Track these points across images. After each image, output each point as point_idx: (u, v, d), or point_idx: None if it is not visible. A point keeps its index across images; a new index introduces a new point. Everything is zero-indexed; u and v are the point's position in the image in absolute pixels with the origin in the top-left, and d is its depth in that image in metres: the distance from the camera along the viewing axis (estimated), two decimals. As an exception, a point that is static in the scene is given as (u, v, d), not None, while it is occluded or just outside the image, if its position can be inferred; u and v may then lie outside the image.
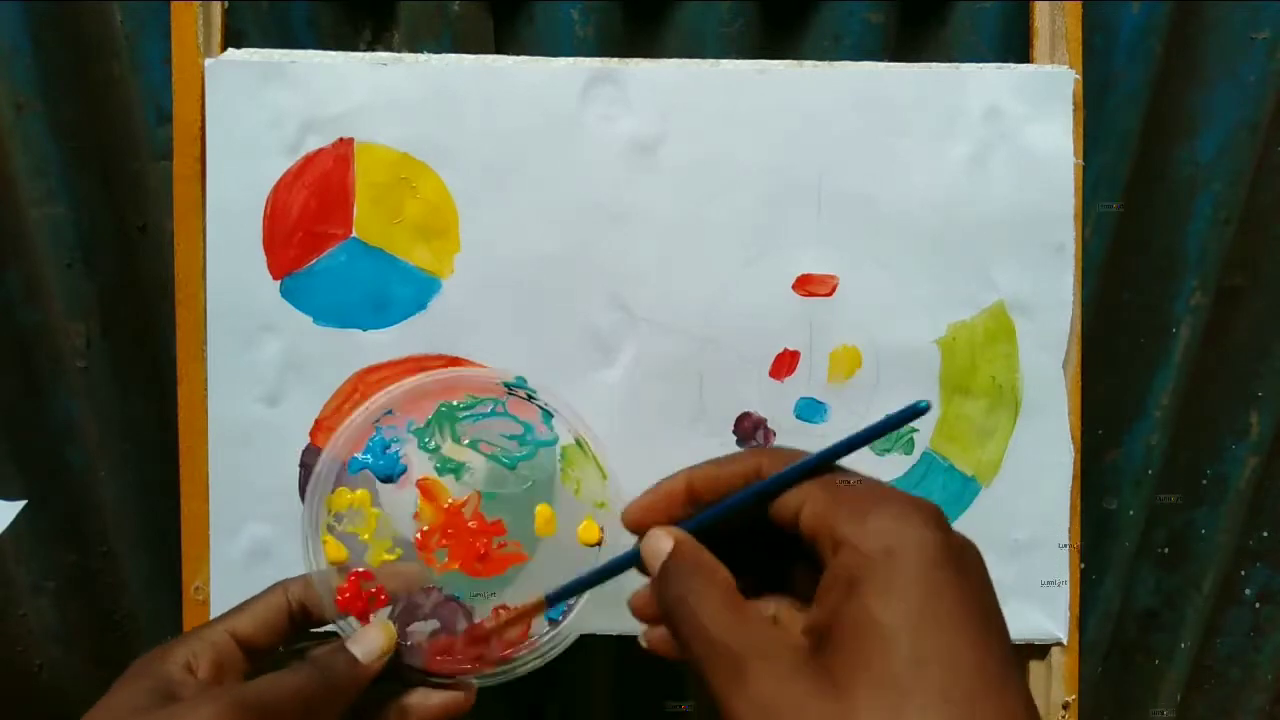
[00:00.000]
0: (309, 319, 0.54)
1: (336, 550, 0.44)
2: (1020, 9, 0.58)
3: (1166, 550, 0.78)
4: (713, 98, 0.54)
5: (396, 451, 0.45)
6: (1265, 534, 0.78)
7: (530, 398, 0.48)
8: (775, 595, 0.36)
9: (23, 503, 0.65)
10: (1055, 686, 0.58)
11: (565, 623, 0.44)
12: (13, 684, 0.73)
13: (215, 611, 0.55)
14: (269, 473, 0.54)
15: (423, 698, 0.43)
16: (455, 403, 0.47)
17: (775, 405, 0.56)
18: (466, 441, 0.46)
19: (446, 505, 0.45)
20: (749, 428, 0.56)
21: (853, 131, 0.54)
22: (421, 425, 0.46)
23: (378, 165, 0.54)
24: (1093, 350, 0.56)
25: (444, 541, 0.44)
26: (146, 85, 0.61)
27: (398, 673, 0.43)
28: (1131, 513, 0.75)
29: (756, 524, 0.35)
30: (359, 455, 0.45)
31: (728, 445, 0.56)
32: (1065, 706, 0.58)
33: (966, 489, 0.56)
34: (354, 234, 0.54)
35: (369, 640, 0.41)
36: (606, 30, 0.60)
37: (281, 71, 0.53)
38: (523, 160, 0.54)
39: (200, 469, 0.55)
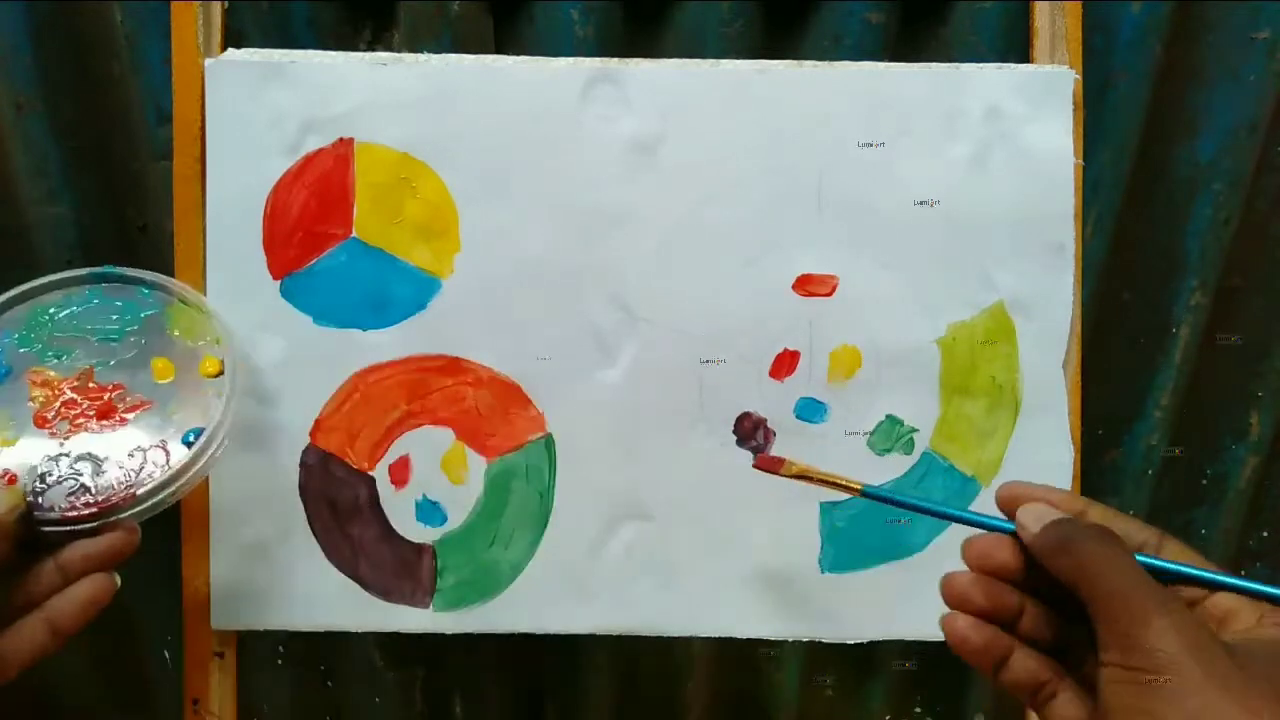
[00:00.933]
0: (309, 319, 0.54)
1: None
2: (1020, 9, 0.58)
3: (1166, 550, 0.78)
4: (713, 98, 0.54)
5: None
6: (1265, 534, 0.78)
7: (123, 279, 0.52)
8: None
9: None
10: (1055, 686, 0.58)
11: (183, 462, 0.47)
12: (11, 683, 0.73)
13: (214, 611, 0.55)
14: (269, 472, 0.55)
15: (75, 548, 0.44)
16: (48, 303, 0.51)
17: (775, 405, 0.56)
18: (71, 332, 0.50)
19: (57, 385, 0.49)
20: (749, 428, 0.56)
21: (853, 131, 0.54)
22: (21, 331, 0.50)
23: (378, 165, 0.54)
24: (1093, 350, 0.56)
25: (61, 412, 0.48)
26: (146, 85, 0.61)
27: (50, 537, 0.44)
28: (1131, 513, 0.75)
29: None
30: None
31: (728, 445, 0.56)
32: (1065, 706, 0.58)
33: (966, 489, 0.56)
34: (354, 234, 0.54)
35: None
36: (606, 30, 0.60)
37: (281, 71, 0.53)
38: (523, 160, 0.54)
39: (200, 469, 0.55)
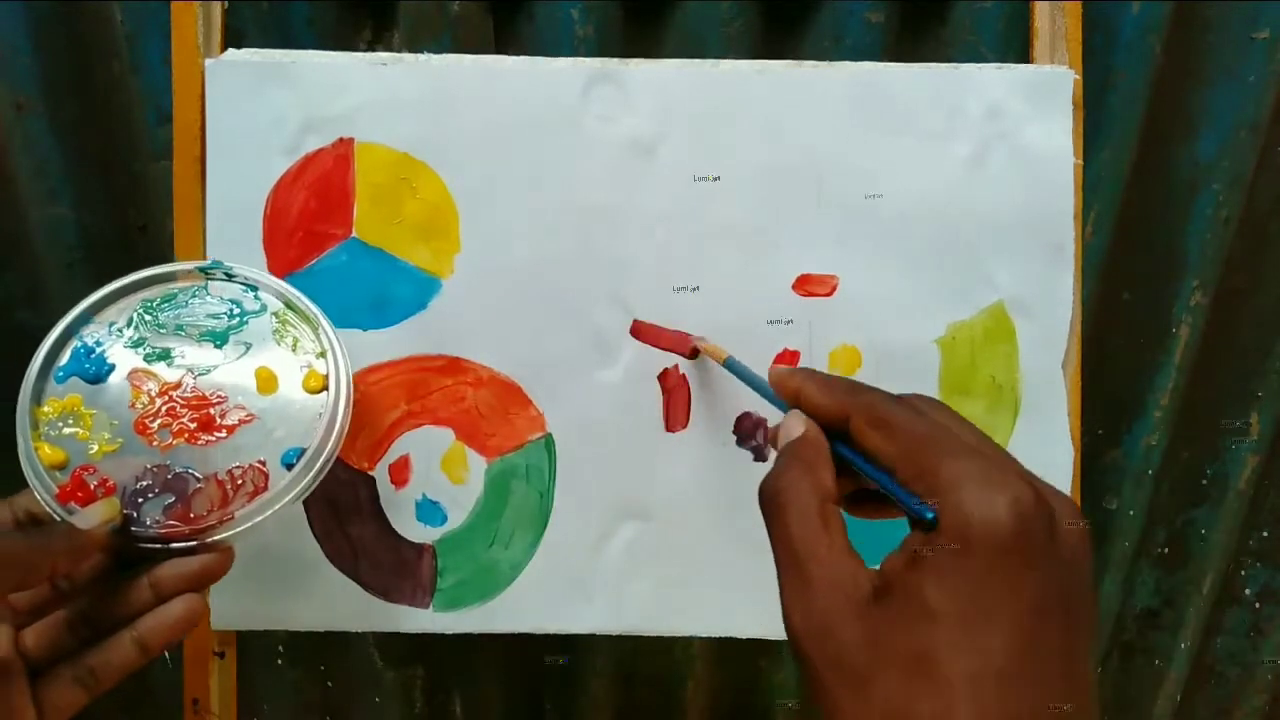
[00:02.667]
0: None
1: (52, 454, 0.45)
2: (1020, 9, 0.58)
3: (1166, 550, 0.78)
4: (713, 98, 0.54)
5: (102, 354, 0.47)
6: (1265, 534, 0.78)
7: (229, 277, 0.50)
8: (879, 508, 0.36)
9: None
10: (1055, 686, 0.58)
11: (283, 485, 0.45)
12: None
13: (214, 611, 0.55)
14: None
15: (170, 567, 0.43)
16: (152, 299, 0.49)
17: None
18: (173, 329, 0.48)
19: (161, 389, 0.47)
20: (749, 428, 0.56)
21: (853, 131, 0.54)
22: (123, 324, 0.48)
23: (378, 165, 0.54)
24: (1093, 350, 0.56)
25: (163, 421, 0.46)
26: (146, 85, 0.61)
27: (144, 554, 0.44)
28: (1131, 513, 0.75)
29: None
30: (62, 365, 0.47)
31: (728, 445, 0.56)
32: (1065, 706, 0.58)
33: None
34: (354, 234, 0.54)
35: (90, 510, 0.42)
36: (606, 30, 0.60)
37: (281, 71, 0.53)
38: (523, 160, 0.54)
39: (200, 469, 0.55)
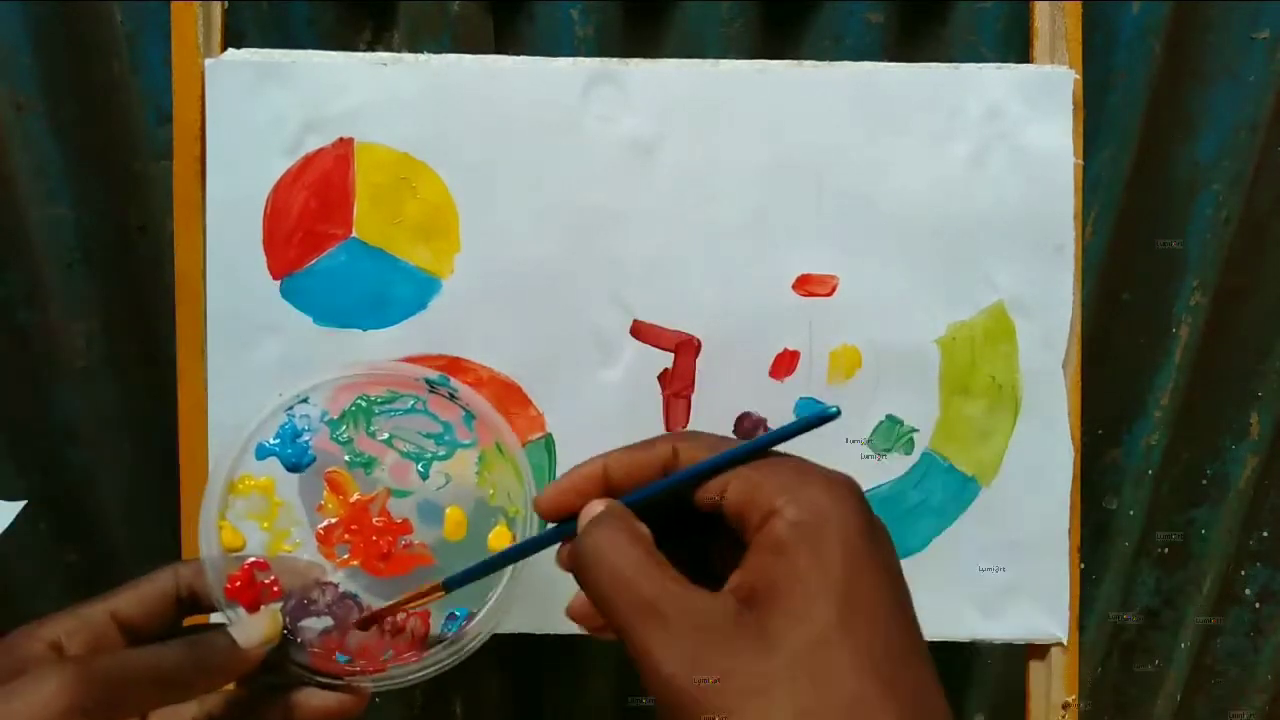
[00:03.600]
0: (309, 319, 0.54)
1: (233, 537, 0.42)
2: (1020, 9, 0.58)
3: (1166, 550, 0.78)
4: (713, 98, 0.54)
5: (307, 441, 0.44)
6: (1265, 534, 0.78)
7: (452, 397, 0.46)
8: (694, 578, 0.35)
9: (23, 503, 0.65)
10: (1055, 686, 0.58)
11: (437, 649, 0.42)
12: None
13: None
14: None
15: (309, 696, 0.40)
16: (374, 396, 0.45)
17: (775, 405, 0.56)
18: (383, 437, 0.45)
19: (353, 500, 0.44)
20: (749, 427, 0.56)
21: (853, 131, 0.54)
22: (336, 417, 0.45)
23: (378, 165, 0.54)
24: (1093, 350, 0.56)
25: (347, 537, 0.43)
26: (146, 85, 0.61)
27: (289, 671, 0.41)
28: (1131, 513, 0.75)
29: (673, 509, 0.34)
30: (267, 442, 0.44)
31: (728, 445, 0.55)
32: (1065, 706, 0.58)
33: (966, 489, 0.56)
34: (354, 234, 0.54)
35: (252, 627, 0.39)
36: (606, 30, 0.60)
37: (281, 71, 0.53)
38: (523, 160, 0.54)
39: (200, 469, 0.55)
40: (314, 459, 0.44)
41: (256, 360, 0.54)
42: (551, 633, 0.56)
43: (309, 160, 0.53)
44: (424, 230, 0.54)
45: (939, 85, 0.54)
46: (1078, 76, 0.54)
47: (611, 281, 0.55)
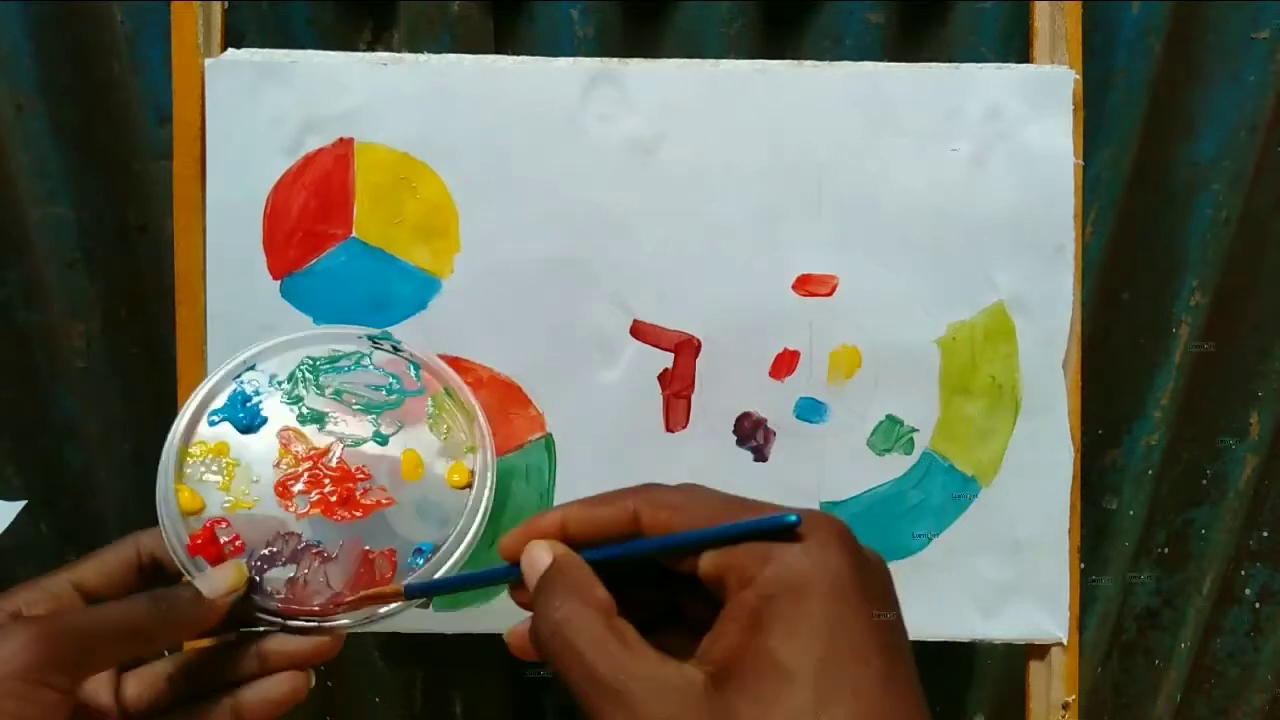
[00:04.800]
0: (309, 319, 0.54)
1: (191, 500, 0.43)
2: (1020, 9, 0.58)
3: (1166, 550, 0.78)
4: (713, 98, 0.54)
5: (258, 404, 0.46)
6: (1265, 534, 0.78)
7: (396, 350, 0.48)
8: (661, 627, 0.33)
9: (23, 503, 0.65)
10: (1055, 686, 0.58)
11: (420, 573, 0.44)
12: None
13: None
14: (269, 473, 0.54)
15: (281, 643, 0.41)
16: (320, 357, 0.47)
17: (775, 405, 0.56)
18: (330, 393, 0.47)
19: (308, 453, 0.45)
20: (749, 427, 0.56)
21: (853, 131, 0.54)
22: (284, 378, 0.47)
23: (378, 165, 0.54)
24: (1093, 350, 0.56)
25: (305, 488, 0.44)
26: (146, 85, 0.61)
27: (259, 621, 0.42)
28: (1131, 513, 0.75)
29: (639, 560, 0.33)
30: (218, 408, 0.45)
31: (728, 445, 0.56)
32: (1065, 706, 0.58)
33: (966, 489, 0.56)
34: (354, 234, 0.54)
35: (216, 578, 0.40)
36: (606, 30, 0.60)
37: (281, 71, 0.53)
38: (523, 160, 0.54)
39: (200, 469, 0.55)
40: (265, 420, 0.45)
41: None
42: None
43: (309, 160, 0.53)
44: (424, 230, 0.54)
45: (939, 85, 0.54)
46: (1078, 76, 0.54)
47: (611, 281, 0.55)
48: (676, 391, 0.55)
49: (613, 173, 0.54)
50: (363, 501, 0.45)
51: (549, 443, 0.55)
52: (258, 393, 0.46)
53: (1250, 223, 0.68)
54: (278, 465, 0.45)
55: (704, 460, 0.56)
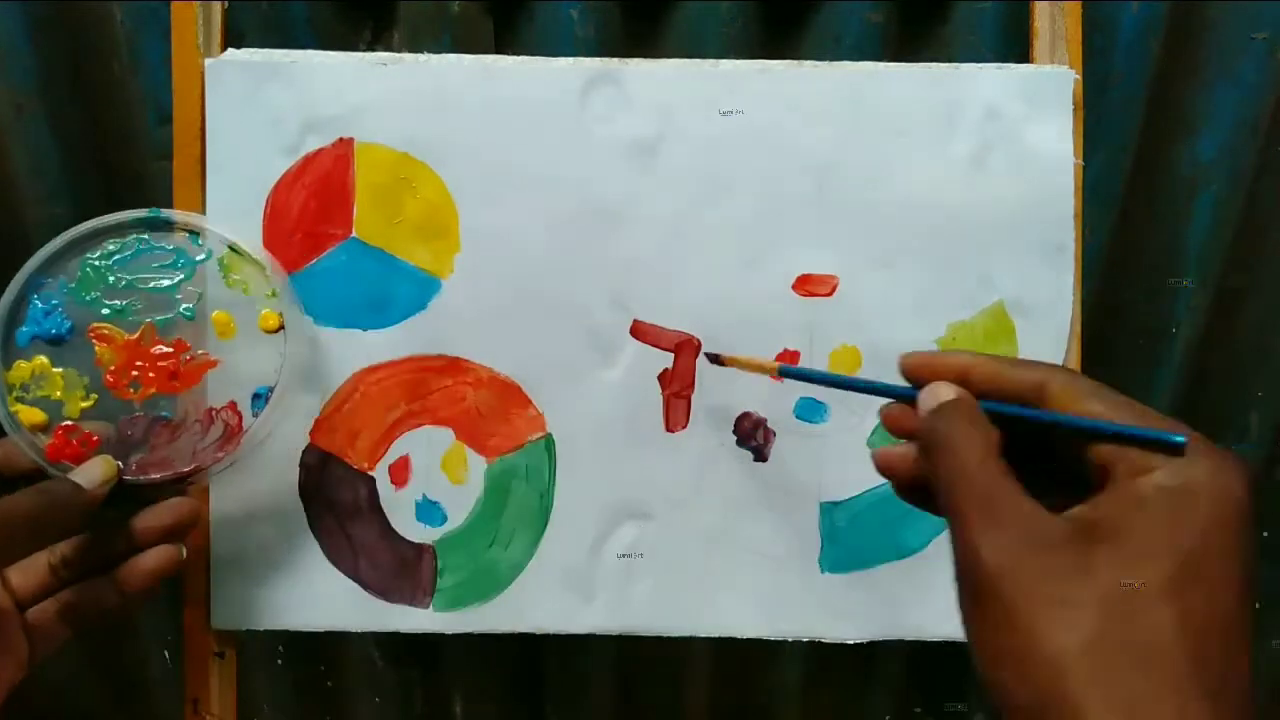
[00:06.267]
0: (309, 319, 0.54)
1: (31, 415, 0.47)
2: (1020, 9, 0.58)
3: (1166, 550, 0.78)
4: (713, 98, 0.54)
5: (59, 314, 0.49)
6: (1265, 534, 0.78)
7: (170, 224, 0.51)
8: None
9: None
10: (1055, 686, 0.58)
11: (259, 421, 0.49)
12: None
13: (214, 611, 0.55)
14: (269, 473, 0.55)
15: (146, 519, 0.46)
16: (98, 253, 0.50)
17: (775, 405, 0.56)
18: (124, 284, 0.50)
19: (124, 343, 0.49)
20: (749, 428, 0.56)
21: (853, 131, 0.54)
22: (74, 284, 0.49)
23: (378, 165, 0.54)
24: (1093, 350, 0.56)
25: (133, 374, 0.49)
26: (146, 85, 0.61)
27: (130, 504, 0.46)
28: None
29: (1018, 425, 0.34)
30: (22, 328, 0.48)
31: (727, 445, 0.56)
32: (1065, 706, 0.58)
33: (966, 489, 0.56)
34: (354, 234, 0.54)
35: (90, 470, 0.45)
36: (606, 30, 0.60)
37: (281, 71, 0.53)
38: (523, 160, 0.54)
39: (200, 469, 0.55)
40: (72, 325, 0.49)
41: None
42: (552, 633, 0.56)
43: (309, 160, 0.54)
44: (424, 230, 0.54)
45: (939, 85, 0.54)
46: (1077, 76, 0.54)
47: (611, 281, 0.55)
48: (676, 391, 0.55)
49: (613, 173, 0.54)
50: (190, 369, 0.49)
51: (549, 443, 0.55)
52: (56, 303, 0.49)
53: (1250, 223, 0.68)
54: (99, 363, 0.49)
55: (704, 460, 0.56)
